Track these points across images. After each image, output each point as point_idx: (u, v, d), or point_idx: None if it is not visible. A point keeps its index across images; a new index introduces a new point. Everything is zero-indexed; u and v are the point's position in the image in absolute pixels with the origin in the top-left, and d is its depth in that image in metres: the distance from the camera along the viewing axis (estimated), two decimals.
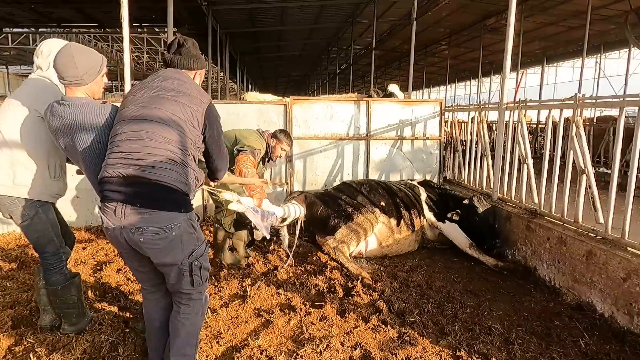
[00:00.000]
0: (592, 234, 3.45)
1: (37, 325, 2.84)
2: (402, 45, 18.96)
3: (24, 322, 2.96)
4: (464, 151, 5.92)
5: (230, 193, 3.30)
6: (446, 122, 6.51)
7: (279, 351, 2.67)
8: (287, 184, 5.84)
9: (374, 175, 6.12)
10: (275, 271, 3.96)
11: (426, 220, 4.79)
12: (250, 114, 5.71)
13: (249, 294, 3.42)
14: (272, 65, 26.81)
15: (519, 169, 4.44)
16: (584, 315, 3.23)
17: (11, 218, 2.62)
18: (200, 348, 2.60)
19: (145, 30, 17.75)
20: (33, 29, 16.01)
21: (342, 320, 3.09)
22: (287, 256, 4.23)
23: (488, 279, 4.02)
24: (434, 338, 2.89)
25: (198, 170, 2.19)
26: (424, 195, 4.93)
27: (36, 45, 2.77)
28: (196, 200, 5.35)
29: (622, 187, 3.48)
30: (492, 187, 4.90)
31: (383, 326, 2.99)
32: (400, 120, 6.19)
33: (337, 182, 5.78)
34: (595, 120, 12.90)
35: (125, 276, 3.78)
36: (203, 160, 2.34)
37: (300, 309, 3.21)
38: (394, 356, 2.64)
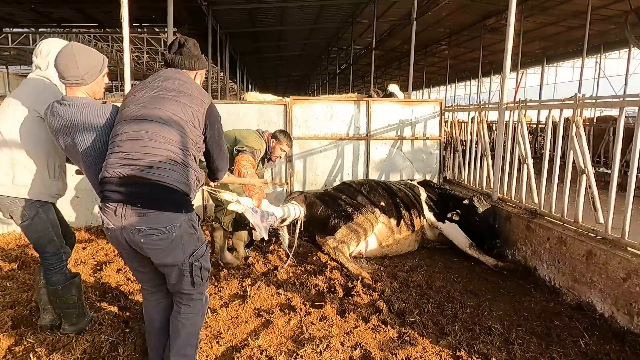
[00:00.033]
0: (592, 234, 3.45)
1: (37, 324, 2.85)
2: (402, 45, 18.96)
3: (24, 322, 2.96)
4: (464, 151, 5.92)
5: (230, 193, 3.30)
6: (446, 122, 6.51)
7: (279, 351, 2.67)
8: (287, 184, 5.84)
9: (374, 175, 6.12)
10: (275, 271, 3.96)
11: (426, 220, 4.79)
12: (250, 114, 5.71)
13: (249, 294, 3.42)
14: (272, 65, 26.81)
15: (519, 169, 4.44)
16: (584, 315, 3.23)
17: (11, 218, 2.62)
18: (200, 348, 2.60)
19: (145, 30, 17.74)
20: (33, 29, 16.00)
21: (342, 320, 3.09)
22: (287, 256, 4.23)
23: (488, 279, 4.02)
24: (434, 338, 2.89)
25: (199, 171, 2.19)
26: (424, 195, 4.93)
27: (36, 45, 2.75)
28: (196, 201, 5.35)
29: (622, 187, 3.48)
30: (492, 187, 4.90)
31: (383, 326, 2.99)
32: (400, 120, 6.19)
33: (337, 182, 5.78)
34: (595, 120, 12.90)
35: (125, 276, 3.78)
36: (203, 160, 2.34)
37: (300, 309, 3.21)
38: (394, 356, 2.64)
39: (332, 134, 6.01)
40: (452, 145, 6.23)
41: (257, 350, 2.65)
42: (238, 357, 2.58)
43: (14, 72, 28.51)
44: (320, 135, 5.97)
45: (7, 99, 2.60)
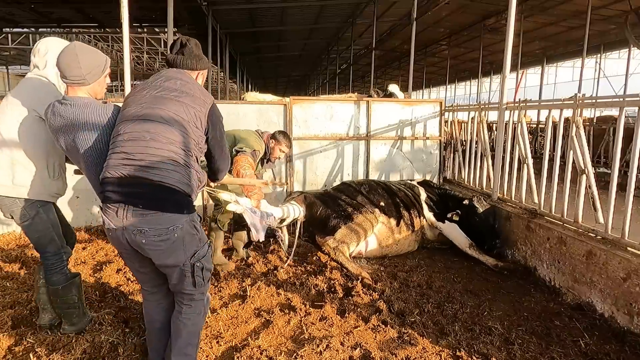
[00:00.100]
0: (592, 234, 3.45)
1: (37, 324, 2.84)
2: (402, 45, 18.96)
3: (24, 322, 2.96)
4: (464, 151, 5.92)
5: (229, 193, 3.29)
6: (446, 122, 6.51)
7: (279, 351, 2.67)
8: (287, 184, 5.84)
9: (374, 176, 6.12)
10: (275, 271, 3.96)
11: (426, 221, 4.79)
12: (250, 114, 5.71)
13: (249, 294, 3.42)
14: (272, 65, 26.81)
15: (519, 169, 4.44)
16: (584, 315, 3.23)
17: (12, 218, 2.62)
18: (200, 348, 2.59)
19: (145, 30, 17.74)
20: (33, 29, 15.99)
21: (342, 320, 3.09)
22: (287, 256, 4.23)
23: (488, 279, 4.02)
24: (434, 338, 2.89)
25: (201, 172, 2.18)
26: (423, 195, 4.93)
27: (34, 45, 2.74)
28: (196, 201, 5.35)
29: (622, 187, 3.48)
30: (492, 187, 4.90)
31: (383, 326, 2.99)
32: (400, 120, 6.19)
33: (337, 182, 5.78)
34: (595, 120, 12.90)
35: (125, 276, 3.78)
36: (204, 160, 2.34)
37: (300, 309, 3.21)
38: (394, 356, 2.64)
39: (332, 134, 6.01)
40: (452, 145, 6.23)
41: (257, 350, 2.65)
42: (238, 357, 2.58)
43: (14, 72, 28.50)
44: (320, 135, 5.97)
45: (6, 99, 2.59)
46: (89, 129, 2.11)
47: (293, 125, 5.81)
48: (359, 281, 3.72)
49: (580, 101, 3.63)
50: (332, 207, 4.40)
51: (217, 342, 2.76)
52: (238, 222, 4.11)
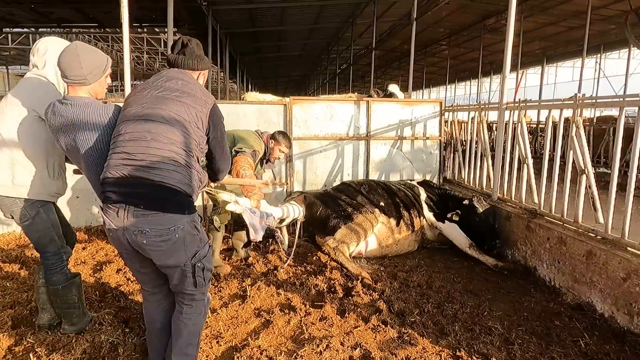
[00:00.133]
0: (592, 234, 3.45)
1: (36, 324, 2.84)
2: (402, 45, 18.96)
3: (24, 322, 2.96)
4: (464, 151, 5.92)
5: (228, 194, 3.29)
6: (446, 122, 6.51)
7: (279, 351, 2.67)
8: (287, 184, 5.84)
9: (374, 176, 6.12)
10: (275, 271, 3.96)
11: (426, 221, 4.79)
12: (250, 114, 5.71)
13: (249, 294, 3.42)
14: (272, 65, 26.80)
15: (519, 169, 4.44)
16: (584, 315, 3.23)
17: (12, 218, 2.62)
18: (200, 348, 2.59)
19: (145, 30, 17.73)
20: (33, 29, 15.98)
21: (342, 320, 3.09)
22: (287, 256, 4.23)
23: (488, 279, 4.02)
24: (434, 338, 2.89)
25: (202, 172, 2.18)
26: (423, 196, 4.93)
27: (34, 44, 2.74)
28: (196, 201, 5.35)
29: (622, 187, 3.48)
30: (492, 187, 4.90)
31: (383, 326, 2.99)
32: (400, 120, 6.19)
33: (337, 182, 5.78)
34: (595, 120, 12.90)
35: (125, 276, 3.78)
36: (204, 160, 2.33)
37: (300, 309, 3.21)
38: (394, 356, 2.64)
39: (332, 134, 6.01)
40: (452, 145, 6.23)
41: (257, 350, 2.65)
42: (238, 357, 2.58)
43: (14, 72, 28.50)
44: (320, 135, 5.96)
45: (5, 99, 2.59)
46: (89, 128, 2.10)
47: (293, 125, 5.81)
48: (359, 281, 3.72)
49: (580, 101, 3.63)
50: (332, 207, 4.40)
51: (217, 342, 2.76)
52: (238, 222, 4.11)
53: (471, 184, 5.60)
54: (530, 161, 4.26)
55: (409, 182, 5.29)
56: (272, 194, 5.78)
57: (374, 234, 4.45)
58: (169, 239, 1.98)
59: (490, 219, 4.62)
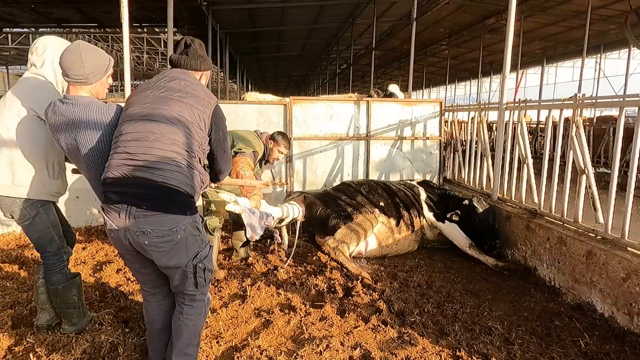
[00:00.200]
0: (592, 234, 3.45)
1: (34, 324, 2.83)
2: (402, 45, 18.97)
3: (24, 322, 2.96)
4: (463, 151, 5.92)
5: (228, 194, 3.29)
6: (446, 122, 6.51)
7: (279, 351, 2.67)
8: (287, 184, 5.84)
9: (373, 176, 6.12)
10: (275, 271, 3.96)
11: (426, 220, 4.79)
12: (250, 114, 5.71)
13: (249, 294, 3.42)
14: (272, 65, 26.80)
15: (519, 169, 4.44)
16: (584, 315, 3.23)
17: (12, 218, 2.61)
18: (201, 348, 2.59)
19: (145, 30, 17.73)
20: (33, 29, 15.97)
21: (342, 320, 3.09)
22: (287, 256, 4.23)
23: (488, 279, 4.02)
24: (434, 338, 2.89)
25: (204, 173, 2.17)
26: (423, 195, 4.93)
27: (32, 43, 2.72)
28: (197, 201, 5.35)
29: (622, 187, 3.48)
30: (492, 187, 4.90)
31: (383, 326, 2.99)
32: (400, 120, 6.19)
33: (337, 182, 5.78)
34: (595, 120, 12.90)
35: (125, 276, 3.78)
36: (206, 161, 2.33)
37: (300, 309, 3.21)
38: (394, 356, 2.64)
39: (332, 134, 6.01)
40: (452, 145, 6.23)
41: (257, 350, 2.65)
42: (238, 357, 2.58)
43: (14, 72, 28.51)
44: (320, 135, 5.96)
45: (3, 99, 2.58)
46: (91, 128, 2.09)
47: (293, 125, 5.81)
48: (359, 281, 3.72)
49: (580, 101, 3.63)
50: (332, 207, 4.40)
51: (217, 342, 2.76)
52: (237, 222, 4.10)
53: (471, 184, 5.60)
54: (530, 161, 4.26)
55: (409, 182, 5.29)
56: (272, 194, 5.78)
57: (374, 234, 4.44)
58: (171, 239, 1.97)
59: (490, 219, 4.62)
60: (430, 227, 4.81)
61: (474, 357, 2.66)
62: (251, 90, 27.30)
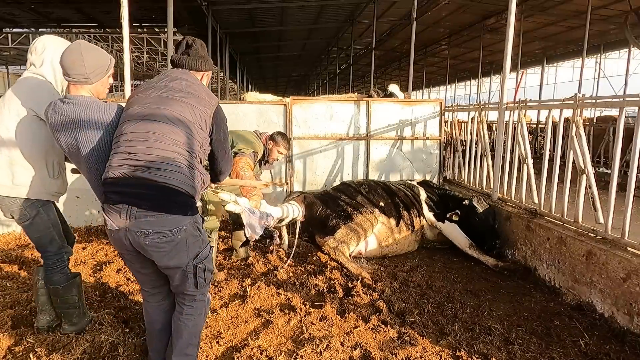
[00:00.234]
0: (592, 234, 3.45)
1: (35, 326, 2.82)
2: (402, 45, 18.97)
3: (24, 322, 2.96)
4: (463, 151, 5.92)
5: (228, 193, 3.29)
6: (446, 122, 6.51)
7: (279, 351, 2.67)
8: (287, 184, 5.84)
9: (373, 176, 6.12)
10: (275, 271, 3.96)
11: (426, 220, 4.79)
12: (250, 114, 5.71)
13: (249, 294, 3.42)
14: (272, 65, 26.81)
15: (519, 169, 4.44)
16: (584, 315, 3.23)
17: (13, 218, 2.61)
18: (201, 348, 2.59)
19: (145, 30, 17.73)
20: (33, 29, 15.98)
21: (342, 320, 3.09)
22: (287, 256, 4.23)
23: (488, 279, 4.02)
24: (434, 338, 2.89)
25: (205, 173, 2.17)
26: (423, 195, 4.93)
27: (31, 43, 2.72)
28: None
29: (622, 187, 3.48)
30: (492, 187, 4.90)
31: (383, 326, 2.99)
32: (400, 120, 6.19)
33: (337, 182, 5.78)
34: (595, 120, 12.90)
35: (125, 276, 3.78)
36: (206, 161, 2.33)
37: (300, 309, 3.21)
38: (394, 356, 2.64)
39: (332, 134, 6.01)
40: (452, 145, 6.23)
41: (257, 350, 2.65)
42: (238, 357, 2.58)
43: (14, 72, 28.51)
44: (320, 135, 5.97)
45: (2, 99, 2.57)
46: (92, 127, 2.08)
47: (293, 125, 5.81)
48: (359, 281, 3.72)
49: (580, 101, 3.63)
50: (331, 207, 4.40)
51: (217, 342, 2.76)
52: (237, 222, 4.10)
53: (471, 184, 5.60)
54: (530, 161, 4.26)
55: (409, 182, 5.29)
56: (272, 194, 5.78)
57: (373, 234, 4.44)
58: (172, 240, 1.97)
59: (490, 219, 4.62)
60: (430, 227, 4.81)
61: (474, 357, 2.66)
62: (251, 90, 27.30)
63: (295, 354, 2.62)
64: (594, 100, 3.85)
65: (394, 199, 4.68)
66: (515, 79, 19.14)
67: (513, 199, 4.58)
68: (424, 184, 5.24)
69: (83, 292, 2.90)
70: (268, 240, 4.34)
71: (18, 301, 3.24)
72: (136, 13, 11.47)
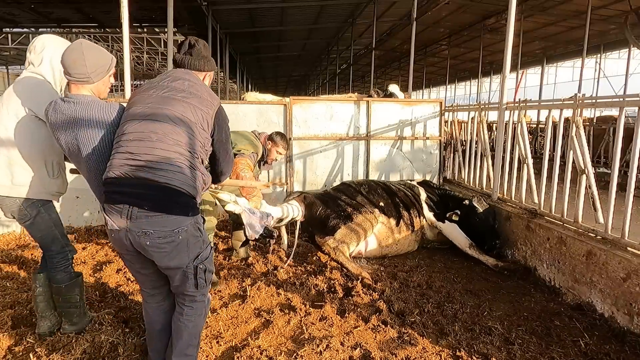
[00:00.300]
0: (592, 234, 3.45)
1: (36, 332, 2.79)
2: (402, 45, 18.97)
3: (24, 322, 2.96)
4: (463, 151, 5.92)
5: (228, 194, 3.29)
6: (446, 122, 6.51)
7: (279, 351, 2.67)
8: (287, 184, 5.84)
9: (374, 176, 6.12)
10: (275, 271, 3.96)
11: (426, 220, 4.78)
12: (250, 114, 5.71)
13: (249, 294, 3.42)
14: (272, 65, 26.81)
15: (519, 169, 4.44)
16: (584, 315, 3.23)
17: (14, 218, 2.61)
18: (201, 348, 2.59)
19: (145, 30, 17.74)
20: (33, 29, 15.98)
21: (342, 320, 3.09)
22: (287, 256, 4.23)
23: (488, 279, 4.02)
24: (434, 338, 2.89)
25: (206, 173, 2.16)
26: (423, 195, 4.93)
27: (30, 42, 2.71)
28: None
29: (622, 187, 3.48)
30: (492, 187, 4.90)
31: (383, 326, 2.99)
32: (400, 120, 6.19)
33: (337, 182, 5.78)
34: (595, 120, 12.90)
35: (125, 276, 3.78)
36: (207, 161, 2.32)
37: (300, 309, 3.21)
38: (394, 356, 2.64)
39: (332, 134, 6.01)
40: (452, 145, 6.23)
41: (257, 350, 2.65)
42: (238, 357, 2.58)
43: (14, 72, 28.53)
44: (320, 135, 5.97)
45: (1, 98, 2.56)
46: (92, 127, 2.07)
47: (293, 125, 5.81)
48: (359, 281, 3.72)
49: (580, 101, 3.63)
50: (331, 207, 4.40)
51: (217, 342, 2.76)
52: (237, 222, 4.10)
53: (471, 184, 5.60)
54: (530, 161, 4.26)
55: (409, 182, 5.29)
56: (272, 194, 5.78)
57: (373, 234, 4.44)
58: (173, 240, 1.96)
59: (490, 219, 4.62)
60: (430, 227, 4.81)
61: (474, 357, 2.66)
62: (251, 90, 27.30)
63: (295, 354, 2.62)
64: (594, 100, 3.85)
65: (394, 199, 4.68)
66: (515, 79, 19.16)
67: (513, 199, 4.58)
68: (424, 184, 5.23)
69: (84, 292, 2.90)
70: (269, 240, 4.36)
71: (18, 301, 3.24)
72: (136, 13, 11.48)
